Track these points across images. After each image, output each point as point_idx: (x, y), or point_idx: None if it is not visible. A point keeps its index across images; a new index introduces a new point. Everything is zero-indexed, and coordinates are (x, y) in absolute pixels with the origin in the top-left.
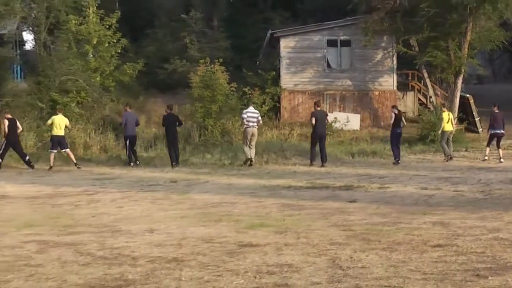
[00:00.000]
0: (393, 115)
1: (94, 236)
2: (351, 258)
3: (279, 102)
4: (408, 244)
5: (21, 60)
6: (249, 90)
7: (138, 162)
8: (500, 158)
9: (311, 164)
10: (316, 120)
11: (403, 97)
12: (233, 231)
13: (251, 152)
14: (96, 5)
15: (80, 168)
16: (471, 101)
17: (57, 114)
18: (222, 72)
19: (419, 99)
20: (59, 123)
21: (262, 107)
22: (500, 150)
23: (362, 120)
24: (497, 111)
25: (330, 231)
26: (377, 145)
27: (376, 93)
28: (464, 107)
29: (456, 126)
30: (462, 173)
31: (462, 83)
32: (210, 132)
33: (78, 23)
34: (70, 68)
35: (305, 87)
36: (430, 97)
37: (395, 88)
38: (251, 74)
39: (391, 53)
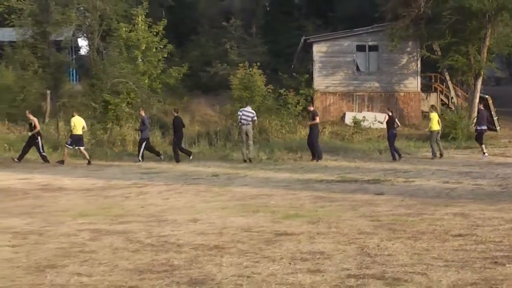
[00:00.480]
0: (387, 117)
1: (143, 225)
2: (378, 246)
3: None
4: (431, 234)
5: (76, 64)
6: (284, 91)
7: (161, 157)
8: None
9: (318, 159)
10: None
11: (426, 98)
12: (269, 221)
13: (248, 151)
14: (145, 14)
15: (91, 164)
16: (490, 101)
17: (74, 116)
18: (260, 75)
19: (442, 100)
20: (78, 124)
21: (296, 107)
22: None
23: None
24: (482, 108)
25: (359, 221)
26: (402, 142)
27: (402, 94)
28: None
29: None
30: (481, 168)
31: (481, 85)
32: None
33: (128, 30)
34: (121, 71)
35: (336, 89)
36: (452, 98)
37: (419, 89)
38: (286, 77)
39: (415, 57)
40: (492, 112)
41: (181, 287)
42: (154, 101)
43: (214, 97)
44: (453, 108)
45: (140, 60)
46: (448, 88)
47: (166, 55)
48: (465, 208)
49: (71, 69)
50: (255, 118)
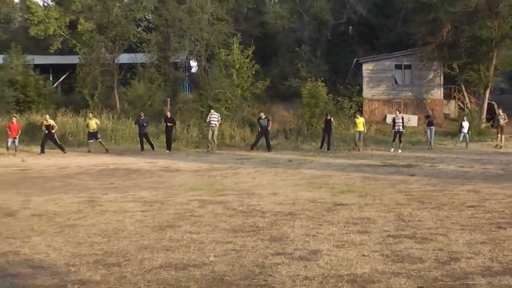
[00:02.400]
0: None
1: (236, 197)
2: (410, 214)
3: (361, 107)
4: (450, 205)
5: (188, 79)
6: (340, 99)
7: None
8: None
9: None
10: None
11: (447, 104)
12: (329, 194)
13: (212, 145)
14: (238, 42)
15: (108, 151)
16: (496, 106)
17: (91, 119)
18: (323, 87)
19: (459, 105)
20: (92, 124)
21: (349, 110)
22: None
23: (418, 119)
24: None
25: (396, 195)
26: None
27: (429, 101)
28: (491, 111)
29: (485, 124)
30: (488, 156)
31: (489, 94)
32: (314, 128)
33: (226, 54)
34: (220, 84)
35: (380, 97)
36: (466, 104)
37: (442, 97)
38: (342, 88)
39: (439, 73)
40: (495, 114)
41: (264, 243)
42: (245, 106)
43: (289, 103)
44: (467, 112)
45: (235, 76)
46: (464, 96)
47: (253, 72)
48: (476, 186)
49: (185, 83)
50: (219, 119)
